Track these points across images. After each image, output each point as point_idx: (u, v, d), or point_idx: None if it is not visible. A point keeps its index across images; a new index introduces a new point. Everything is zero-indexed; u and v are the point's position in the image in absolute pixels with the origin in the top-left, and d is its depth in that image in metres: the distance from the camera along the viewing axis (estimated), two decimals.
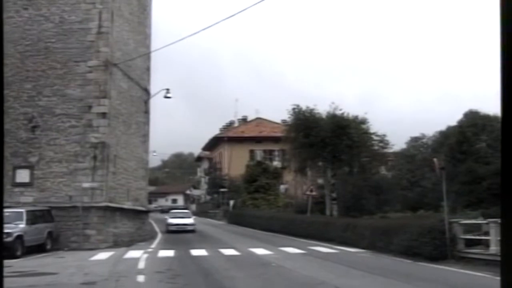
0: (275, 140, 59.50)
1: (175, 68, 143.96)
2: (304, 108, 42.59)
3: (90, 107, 32.22)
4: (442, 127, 48.04)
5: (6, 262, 22.90)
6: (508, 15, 2.66)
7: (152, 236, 40.64)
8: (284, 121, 53.10)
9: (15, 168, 31.98)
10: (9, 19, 32.67)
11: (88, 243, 30.47)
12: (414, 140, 52.49)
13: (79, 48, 32.73)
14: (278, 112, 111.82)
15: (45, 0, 33.16)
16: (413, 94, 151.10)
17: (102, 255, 25.96)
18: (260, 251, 27.24)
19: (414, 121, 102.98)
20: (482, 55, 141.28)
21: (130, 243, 32.69)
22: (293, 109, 42.91)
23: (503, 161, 2.67)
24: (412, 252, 23.32)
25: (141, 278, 17.42)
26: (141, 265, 21.63)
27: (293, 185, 57.40)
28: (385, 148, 44.03)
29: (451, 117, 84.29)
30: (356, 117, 42.28)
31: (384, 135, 42.97)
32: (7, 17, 32.74)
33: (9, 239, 25.95)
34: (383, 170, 49.46)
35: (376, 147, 43.26)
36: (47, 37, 32.93)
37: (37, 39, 32.93)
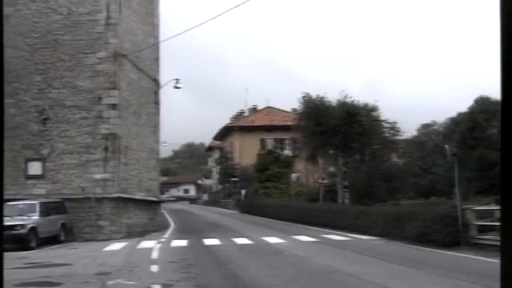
0: (285, 128, 59.39)
1: (184, 58, 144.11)
2: (314, 96, 42.47)
3: (100, 98, 32.26)
4: (453, 113, 47.82)
5: (21, 253, 23.28)
6: (508, 15, 2.69)
7: (164, 226, 40.78)
8: (294, 110, 52.90)
9: (27, 160, 32.15)
10: (17, 12, 32.84)
11: (101, 234, 30.62)
12: (425, 127, 52.22)
13: (88, 40, 32.74)
14: (288, 101, 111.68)
15: None
16: (423, 81, 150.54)
17: (116, 246, 26.10)
18: (272, 239, 27.30)
19: (424, 108, 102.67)
20: (492, 41, 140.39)
21: (143, 234, 32.82)
22: (303, 97, 42.79)
23: (503, 158, 2.68)
24: (425, 239, 23.29)
25: (154, 268, 17.49)
26: (155, 255, 21.72)
27: (304, 174, 57.33)
28: (396, 135, 43.83)
29: (462, 103, 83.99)
30: (366, 105, 42.10)
31: (395, 122, 42.76)
32: (15, 10, 32.85)
33: (23, 231, 26.20)
34: (394, 158, 49.31)
35: (387, 135, 43.07)
36: (55, 29, 32.95)
37: (45, 32, 32.97)
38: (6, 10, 32.34)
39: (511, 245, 2.61)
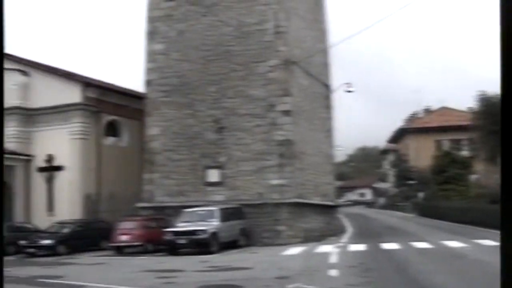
0: (462, 129, 57.45)
1: (354, 62, 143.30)
2: (491, 94, 40.73)
3: (273, 105, 32.69)
4: None
5: (203, 257, 24.08)
6: (508, 15, 2.73)
7: (342, 231, 40.63)
8: (470, 109, 51.00)
9: (206, 168, 33.28)
10: (190, 27, 34.30)
11: (279, 238, 30.96)
12: None
13: (258, 49, 33.30)
14: (464, 100, 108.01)
15: (222, 5, 34.11)
16: None
17: (294, 250, 26.29)
18: (453, 243, 26.31)
19: None
20: None
21: (321, 238, 32.81)
22: (479, 95, 41.20)
23: (503, 161, 2.74)
24: None
25: (334, 272, 17.37)
26: (333, 259, 21.60)
27: (484, 175, 55.03)
28: None
29: None
30: None
31: None
32: (188, 25, 34.32)
33: (205, 235, 27.20)
34: None
35: None
36: (226, 40, 33.86)
37: (217, 43, 33.95)
38: (181, 26, 34.03)
39: (511, 245, 2.68)
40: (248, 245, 29.95)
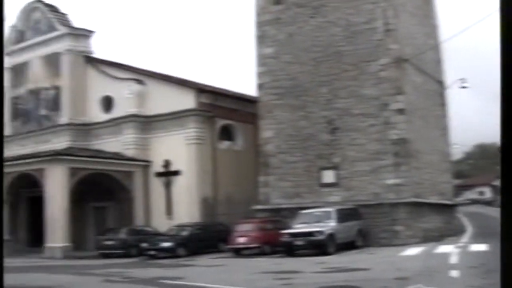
0: None
1: (466, 57, 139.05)
2: None
3: (386, 104, 32.27)
4: None
5: (320, 258, 24.12)
6: (508, 15, 2.76)
7: (461, 230, 39.61)
8: None
9: (321, 169, 33.27)
10: (299, 29, 34.54)
11: (396, 239, 30.52)
12: None
13: (368, 48, 32.94)
14: None
15: (329, 6, 34.02)
16: None
17: (412, 251, 25.85)
18: None
19: None
20: None
21: (439, 238, 32.09)
22: None
23: (503, 161, 2.72)
24: None
25: (454, 273, 16.93)
26: (453, 259, 21.07)
27: None
28: None
29: None
30: None
31: None
32: (296, 27, 34.50)
33: (322, 237, 27.22)
34: None
35: None
36: (336, 41, 33.73)
37: (327, 44, 33.90)
38: (289, 28, 34.31)
39: (511, 246, 2.65)
40: (365, 245, 29.69)
